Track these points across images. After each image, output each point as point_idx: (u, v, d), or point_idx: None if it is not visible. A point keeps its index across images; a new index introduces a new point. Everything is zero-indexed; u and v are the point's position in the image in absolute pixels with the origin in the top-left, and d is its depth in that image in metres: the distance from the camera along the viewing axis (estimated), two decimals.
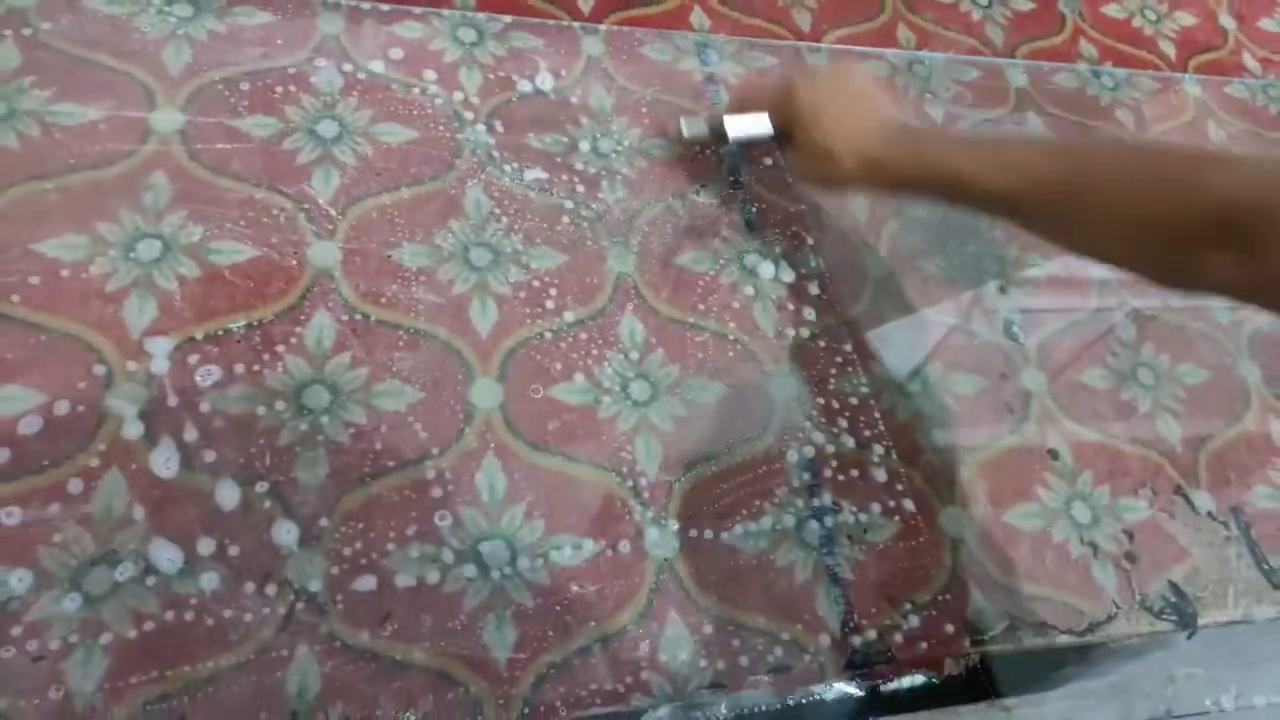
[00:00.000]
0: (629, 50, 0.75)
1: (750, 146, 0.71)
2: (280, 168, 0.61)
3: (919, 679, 0.57)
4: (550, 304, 0.62)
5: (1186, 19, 1.01)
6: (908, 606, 0.57)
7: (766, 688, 0.54)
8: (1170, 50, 0.97)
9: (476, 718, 0.48)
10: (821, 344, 0.66)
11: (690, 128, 0.70)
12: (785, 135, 0.66)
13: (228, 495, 0.50)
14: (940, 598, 0.58)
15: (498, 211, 0.64)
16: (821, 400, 0.63)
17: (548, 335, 0.60)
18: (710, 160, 0.71)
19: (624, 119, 0.72)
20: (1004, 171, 0.53)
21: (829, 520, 0.59)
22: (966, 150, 0.56)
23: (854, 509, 0.60)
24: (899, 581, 0.58)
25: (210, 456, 0.51)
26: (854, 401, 0.64)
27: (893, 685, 0.56)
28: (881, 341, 0.67)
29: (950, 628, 0.58)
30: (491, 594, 0.51)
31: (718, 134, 0.69)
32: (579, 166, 0.68)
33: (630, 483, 0.57)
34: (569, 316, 0.62)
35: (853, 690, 0.55)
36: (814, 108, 0.63)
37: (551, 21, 0.74)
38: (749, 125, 0.67)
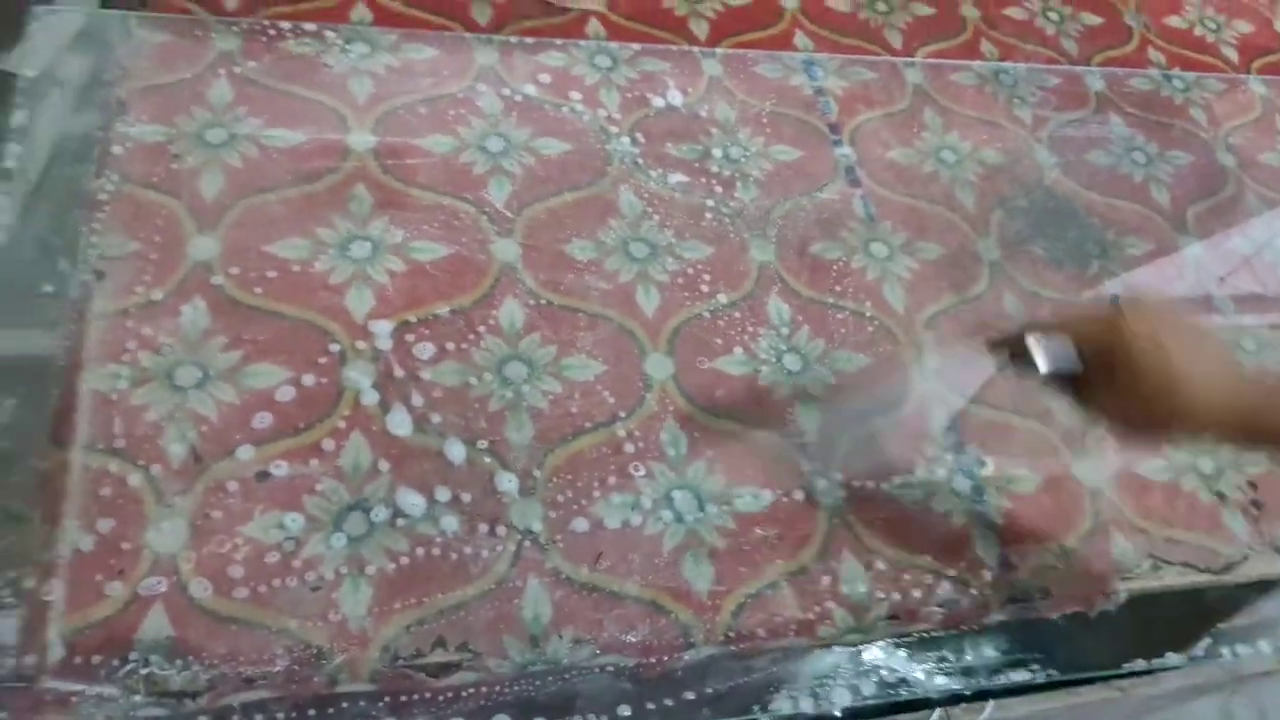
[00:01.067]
0: (744, 69, 0.84)
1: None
2: (460, 178, 0.70)
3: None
4: (704, 288, 0.69)
5: (1244, 27, 1.09)
6: (1056, 549, 0.63)
7: (938, 620, 0.59)
8: (1233, 55, 1.05)
9: (688, 641, 0.54)
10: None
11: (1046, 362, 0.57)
12: (1093, 370, 0.56)
13: (455, 452, 0.57)
14: (1085, 541, 0.64)
15: (649, 210, 0.72)
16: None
17: (706, 315, 0.68)
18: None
19: (748, 129, 0.80)
20: None
21: (977, 472, 0.65)
22: None
23: (998, 462, 0.66)
24: (1046, 527, 0.64)
25: (436, 419, 0.58)
26: None
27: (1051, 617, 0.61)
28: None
29: (1098, 567, 0.63)
30: (686, 536, 0.58)
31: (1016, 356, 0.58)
32: (714, 170, 0.76)
33: (795, 440, 0.63)
34: (722, 299, 0.69)
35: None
36: (1155, 343, 0.54)
37: (674, 47, 0.84)
38: (1060, 357, 0.56)
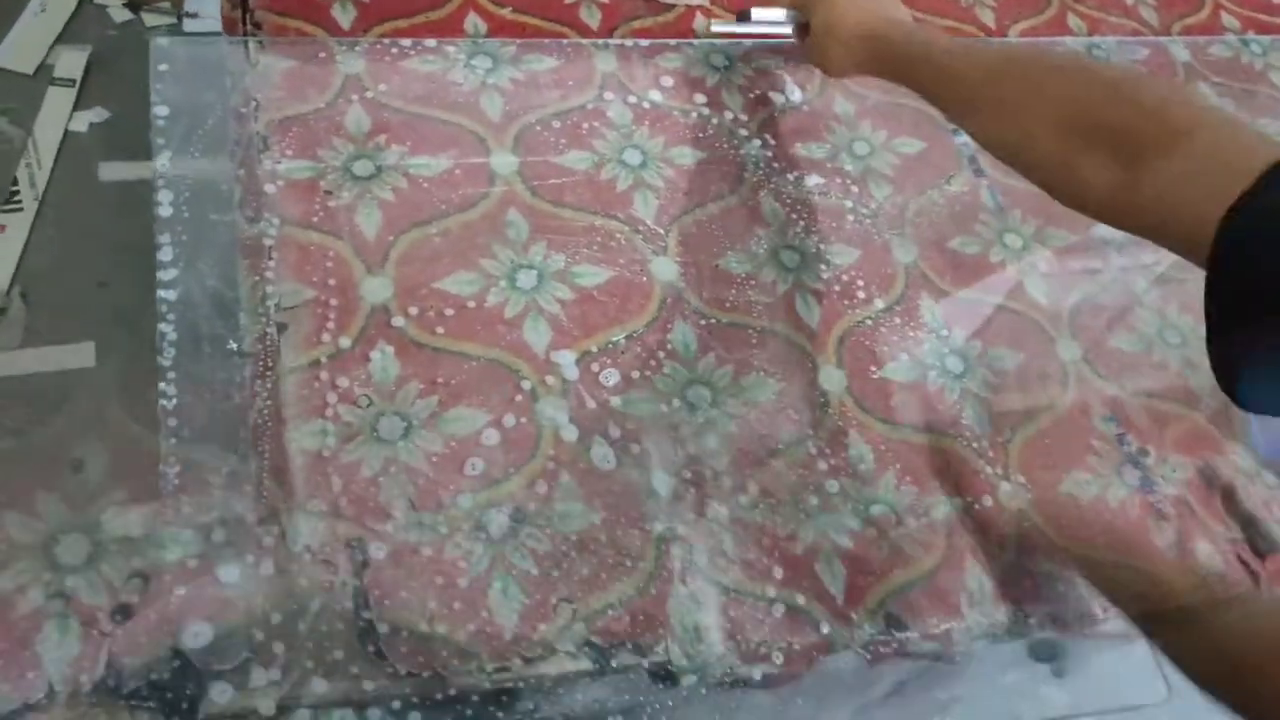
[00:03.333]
0: None
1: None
2: (606, 195, 0.69)
3: None
4: (861, 294, 0.70)
5: None
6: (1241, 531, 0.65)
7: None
8: None
9: None
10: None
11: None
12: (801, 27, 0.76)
13: (660, 482, 0.58)
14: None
15: (793, 216, 0.72)
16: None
17: (868, 323, 0.69)
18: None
19: (868, 122, 0.80)
20: (964, 61, 0.59)
21: (1143, 463, 0.67)
22: (944, 44, 0.63)
23: (1160, 452, 0.68)
24: (1227, 509, 0.66)
25: (636, 449, 0.58)
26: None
27: None
28: None
29: None
30: (891, 551, 0.59)
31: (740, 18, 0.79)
32: (846, 169, 0.76)
33: (973, 445, 0.65)
34: (879, 304, 0.70)
35: None
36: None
37: (781, 40, 0.83)
38: (771, 13, 0.77)
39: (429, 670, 0.48)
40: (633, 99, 0.76)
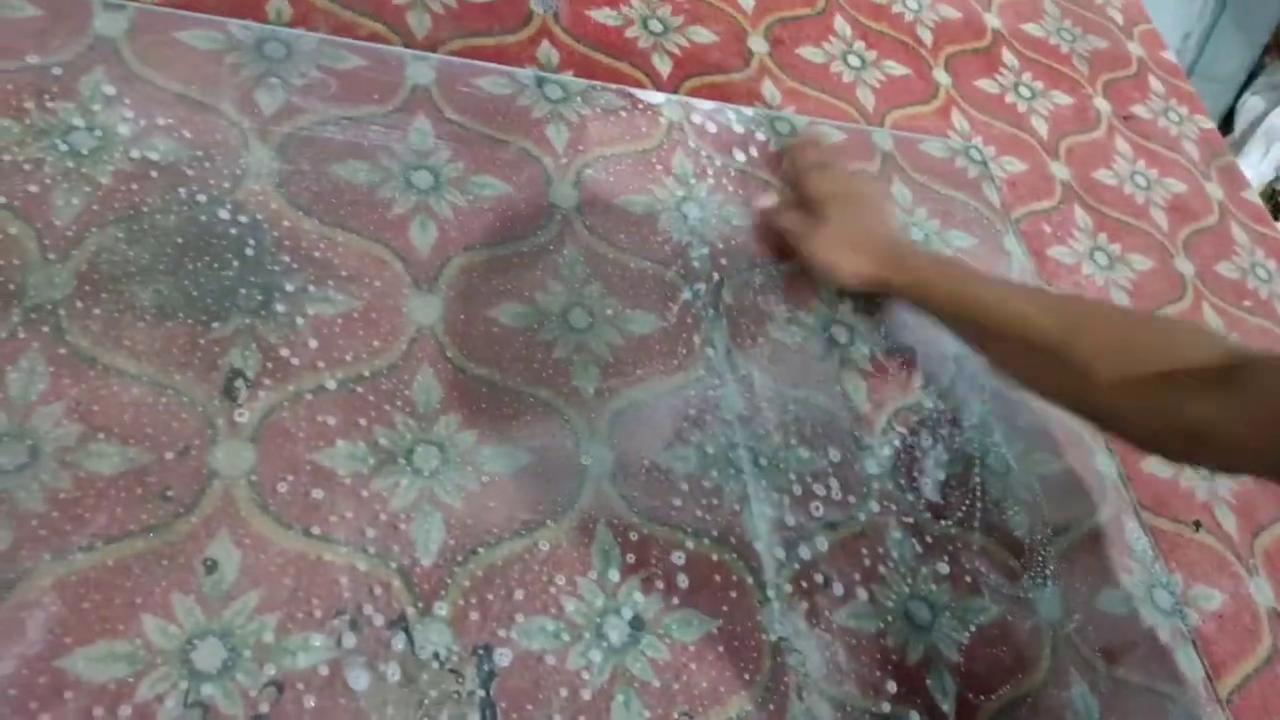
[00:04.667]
0: (913, 149, 0.87)
1: None
2: (653, 244, 0.71)
3: None
4: None
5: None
6: None
7: None
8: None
9: None
10: None
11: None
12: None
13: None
14: None
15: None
16: None
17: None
18: None
19: (924, 210, 0.84)
20: (1012, 320, 0.60)
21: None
22: (973, 301, 0.64)
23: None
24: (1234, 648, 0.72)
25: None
26: None
27: None
28: None
29: None
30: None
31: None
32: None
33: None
34: None
35: None
36: (822, 211, 0.71)
37: (848, 124, 0.86)
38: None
39: None
40: (696, 149, 0.78)
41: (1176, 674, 0.66)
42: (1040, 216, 0.91)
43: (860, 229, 0.71)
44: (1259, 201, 1.08)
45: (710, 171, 0.78)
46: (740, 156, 0.81)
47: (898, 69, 0.98)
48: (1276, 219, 1.17)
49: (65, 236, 0.56)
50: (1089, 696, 0.63)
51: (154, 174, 0.60)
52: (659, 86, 0.83)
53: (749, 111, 0.84)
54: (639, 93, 0.81)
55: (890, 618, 0.61)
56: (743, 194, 0.78)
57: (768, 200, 0.78)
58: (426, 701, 0.49)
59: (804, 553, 0.62)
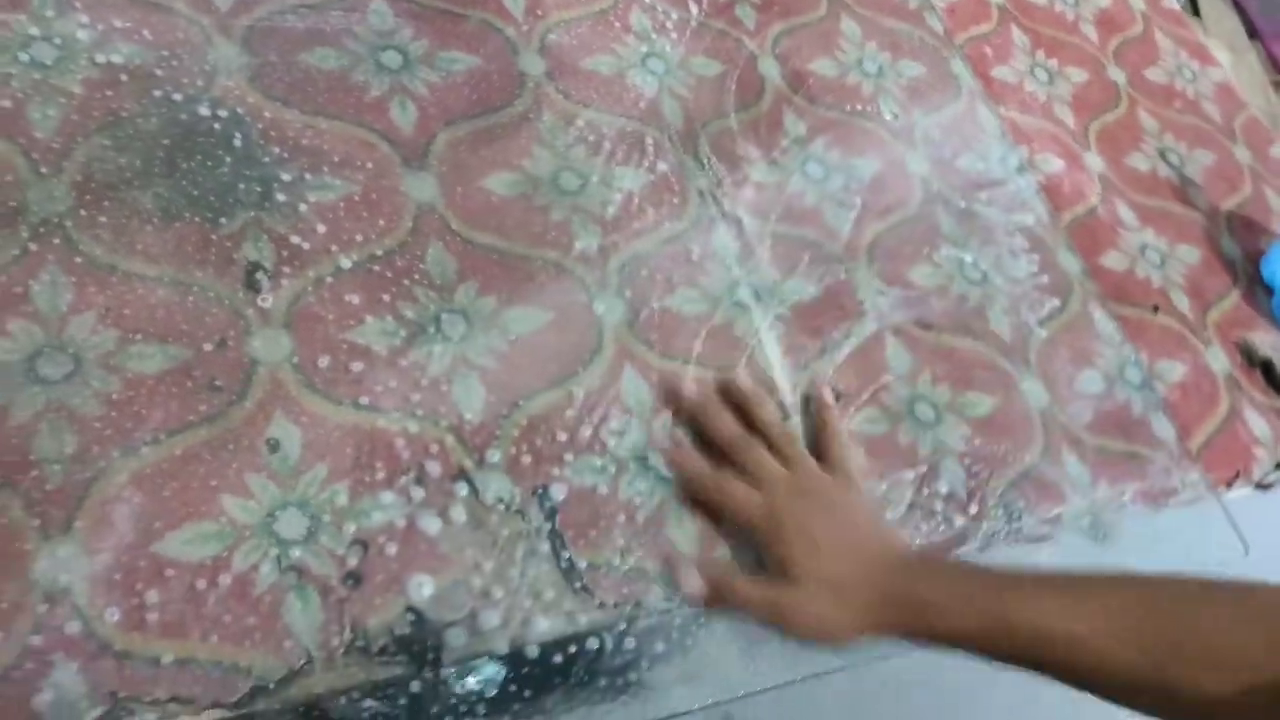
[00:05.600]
0: None
1: None
2: (626, 102, 0.73)
3: None
4: None
5: None
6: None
7: None
8: None
9: None
10: None
11: None
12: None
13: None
14: None
15: None
16: None
17: None
18: None
19: None
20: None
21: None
22: (1029, 639, 0.49)
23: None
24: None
25: None
26: None
27: None
28: None
29: None
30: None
31: None
32: None
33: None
34: None
35: None
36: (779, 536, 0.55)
37: None
38: None
39: (632, 600, 0.54)
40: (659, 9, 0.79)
41: (1152, 438, 0.73)
42: (981, 40, 0.94)
43: (840, 569, 0.53)
44: (1176, 6, 1.13)
45: (669, 25, 0.80)
46: (694, 9, 0.82)
47: None
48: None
49: (52, 149, 0.56)
50: (1080, 466, 0.70)
51: (124, 78, 0.60)
52: None
53: None
54: None
55: (900, 419, 0.67)
56: (702, 46, 0.80)
57: (694, 583, 0.55)
58: (500, 540, 0.53)
59: (815, 371, 0.67)
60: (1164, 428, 0.75)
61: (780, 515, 0.54)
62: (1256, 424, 0.78)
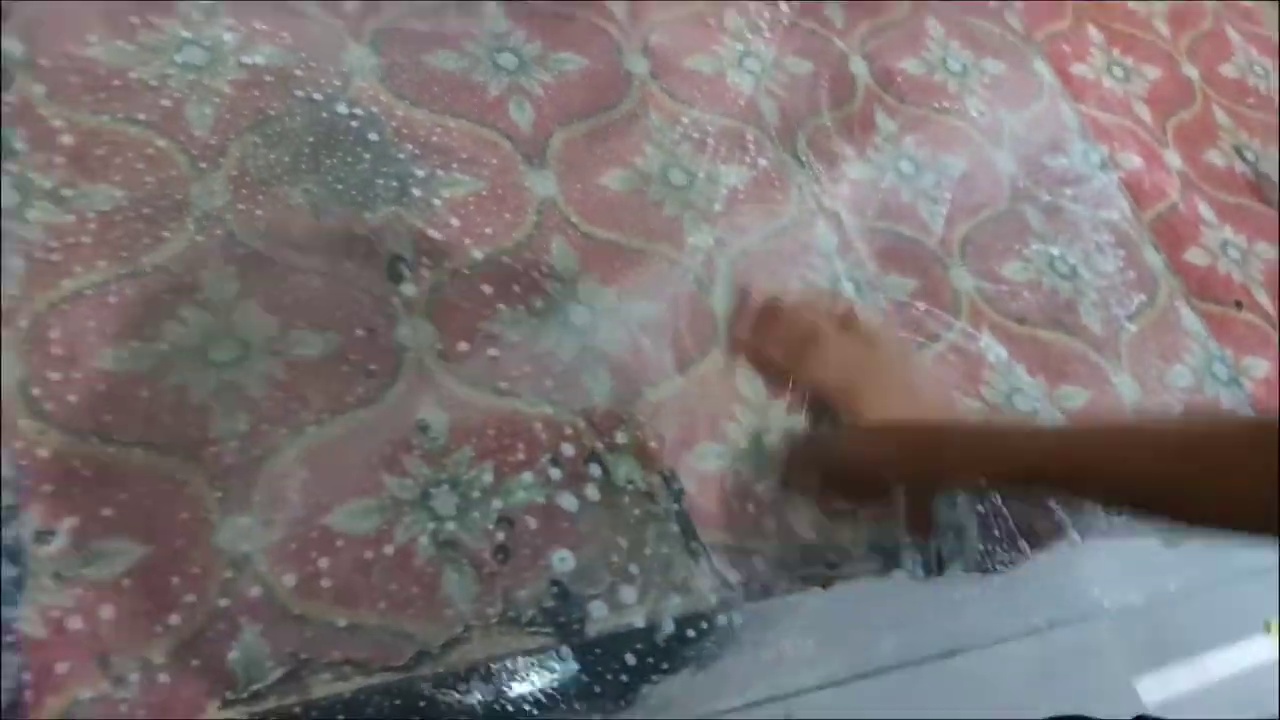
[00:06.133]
0: None
1: None
2: (727, 101, 0.76)
3: None
4: None
5: None
6: None
7: None
8: None
9: None
10: None
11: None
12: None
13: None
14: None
15: None
16: None
17: None
18: None
19: None
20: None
21: None
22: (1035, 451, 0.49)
23: None
24: None
25: None
26: None
27: None
28: None
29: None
30: None
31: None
32: None
33: None
34: None
35: None
36: (844, 397, 0.53)
37: None
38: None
39: (756, 581, 0.57)
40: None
41: None
42: (1059, 38, 0.96)
43: (897, 405, 0.53)
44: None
45: (763, 25, 0.82)
46: (785, 8, 0.85)
47: None
48: None
49: (209, 145, 0.59)
50: None
51: (268, 79, 0.63)
52: None
53: None
54: None
55: (998, 411, 0.70)
56: (793, 45, 0.83)
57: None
58: (631, 520, 0.56)
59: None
60: None
61: (843, 361, 0.53)
62: None
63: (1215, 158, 0.94)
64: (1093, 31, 0.99)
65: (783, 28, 0.83)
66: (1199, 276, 0.83)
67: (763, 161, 0.74)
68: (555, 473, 0.56)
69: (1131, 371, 0.75)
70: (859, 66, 0.83)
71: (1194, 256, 0.84)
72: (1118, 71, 0.97)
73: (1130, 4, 1.04)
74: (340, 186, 0.61)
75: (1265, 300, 0.84)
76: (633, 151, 0.71)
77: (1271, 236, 0.90)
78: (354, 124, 0.64)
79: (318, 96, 0.64)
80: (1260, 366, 0.80)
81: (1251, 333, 0.81)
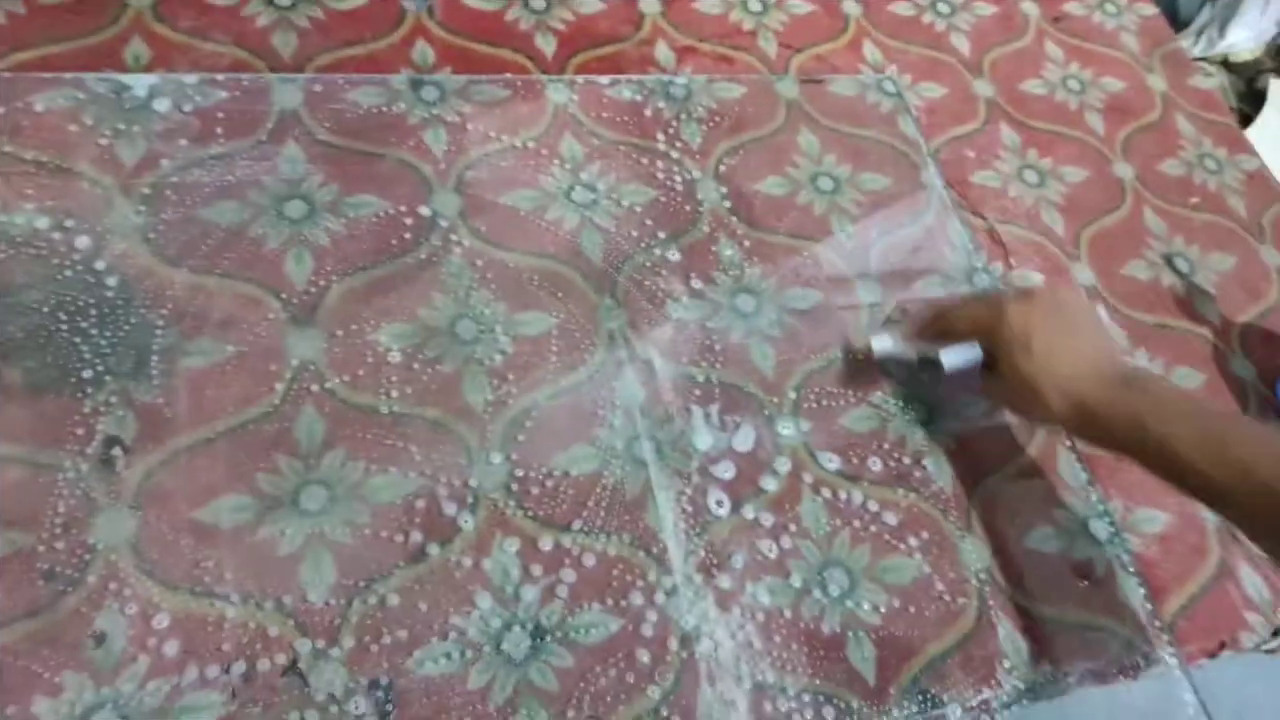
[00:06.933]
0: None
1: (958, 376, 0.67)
2: (544, 238, 0.71)
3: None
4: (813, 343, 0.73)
5: None
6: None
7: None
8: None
9: None
10: None
11: (880, 345, 0.71)
12: (989, 361, 0.65)
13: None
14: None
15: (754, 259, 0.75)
16: None
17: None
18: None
19: (833, 155, 0.82)
20: (1225, 468, 0.54)
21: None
22: (1190, 434, 0.56)
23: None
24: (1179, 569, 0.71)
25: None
26: None
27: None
28: None
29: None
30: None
31: (925, 360, 0.69)
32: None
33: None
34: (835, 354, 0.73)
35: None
36: (1024, 334, 0.62)
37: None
38: (963, 355, 0.65)
39: None
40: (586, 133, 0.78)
41: (1115, 605, 0.66)
42: (962, 142, 0.89)
43: (1074, 346, 0.62)
44: (1208, 85, 1.04)
45: (601, 151, 0.78)
46: (634, 130, 0.80)
47: (803, 7, 0.95)
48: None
49: None
50: (1018, 639, 0.63)
51: (17, 247, 0.62)
52: (544, 69, 0.82)
53: (643, 79, 0.83)
54: (523, 79, 0.80)
55: (805, 590, 0.62)
56: (637, 169, 0.78)
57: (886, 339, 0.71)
58: None
59: (711, 535, 0.62)
60: (1133, 592, 0.67)
61: (1013, 318, 0.62)
62: (1251, 582, 0.70)
63: (1138, 270, 0.85)
64: (1006, 132, 0.91)
65: (621, 152, 0.79)
66: None
67: (571, 305, 0.69)
68: (244, 693, 0.52)
69: (983, 533, 0.66)
70: (709, 190, 0.78)
71: None
72: (1030, 176, 0.89)
73: (1059, 96, 0.96)
74: (65, 364, 0.59)
75: None
76: (420, 302, 0.67)
77: (1194, 361, 0.80)
78: (107, 293, 0.61)
79: (68, 265, 0.62)
80: (1156, 520, 0.70)
81: (1148, 478, 0.71)
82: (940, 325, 0.69)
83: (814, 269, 0.76)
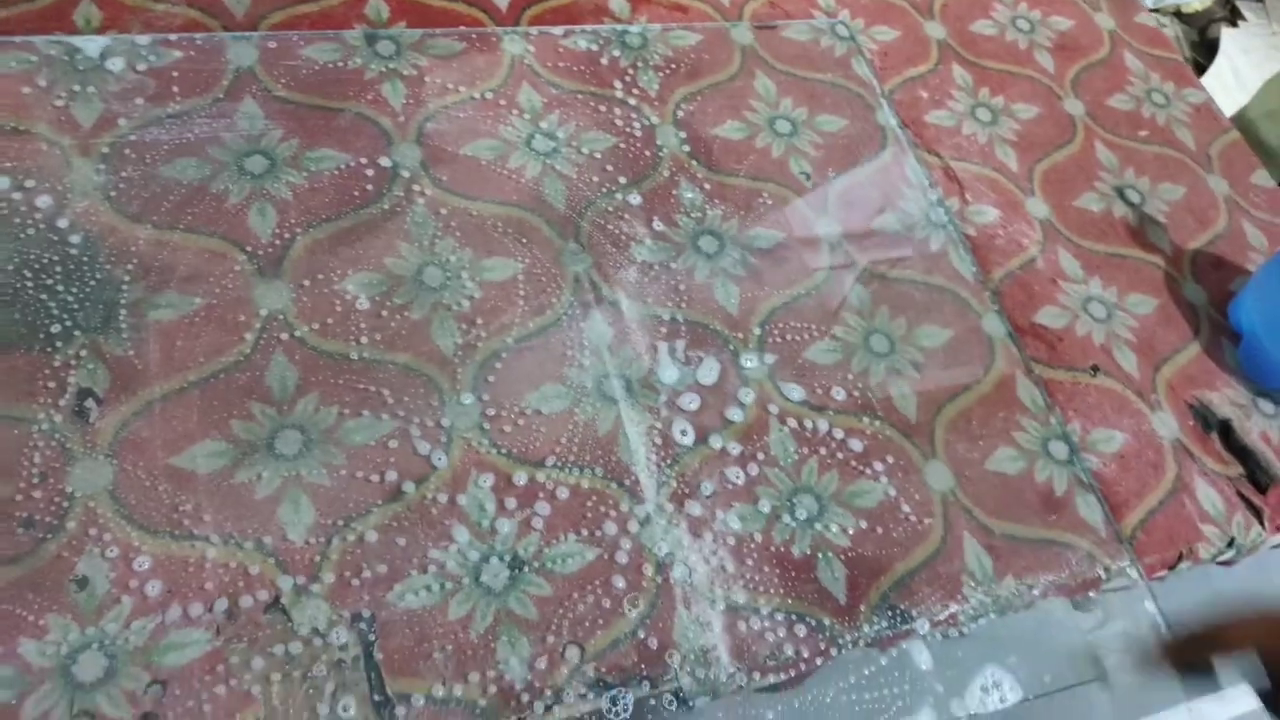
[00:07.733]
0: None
1: None
2: (506, 187, 0.72)
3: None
4: (785, 273, 0.75)
5: None
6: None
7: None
8: None
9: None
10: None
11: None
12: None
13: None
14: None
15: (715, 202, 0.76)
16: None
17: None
18: None
19: (789, 98, 0.84)
20: None
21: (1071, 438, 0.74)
22: None
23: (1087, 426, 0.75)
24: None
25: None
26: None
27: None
28: None
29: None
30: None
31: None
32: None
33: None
34: (800, 289, 0.75)
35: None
36: None
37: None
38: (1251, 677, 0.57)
39: None
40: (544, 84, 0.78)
41: (1076, 522, 0.69)
42: (916, 83, 0.91)
43: None
44: (1153, 22, 1.07)
45: (560, 100, 0.79)
46: (591, 79, 0.81)
47: None
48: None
49: None
50: (983, 556, 0.65)
51: None
52: (499, 22, 0.83)
53: (598, 30, 0.84)
54: (478, 32, 0.81)
55: (774, 516, 0.64)
56: (595, 116, 0.79)
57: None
58: (313, 674, 0.52)
59: (682, 466, 0.64)
60: (1091, 509, 0.70)
61: None
62: (1207, 496, 0.73)
63: (1091, 202, 0.87)
64: (959, 72, 0.93)
65: (579, 101, 0.80)
66: (1049, 341, 0.77)
67: (536, 250, 0.71)
68: (229, 629, 0.53)
69: (946, 457, 0.69)
70: (667, 135, 0.80)
71: (1047, 318, 0.78)
72: (983, 114, 0.91)
73: (1009, 36, 0.98)
74: (35, 319, 0.59)
75: (1130, 362, 0.77)
76: (385, 251, 0.68)
77: (1148, 288, 0.83)
78: (69, 249, 0.62)
79: (30, 223, 0.63)
80: (1113, 439, 0.73)
81: (1106, 398, 0.74)
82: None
83: (776, 209, 0.78)
